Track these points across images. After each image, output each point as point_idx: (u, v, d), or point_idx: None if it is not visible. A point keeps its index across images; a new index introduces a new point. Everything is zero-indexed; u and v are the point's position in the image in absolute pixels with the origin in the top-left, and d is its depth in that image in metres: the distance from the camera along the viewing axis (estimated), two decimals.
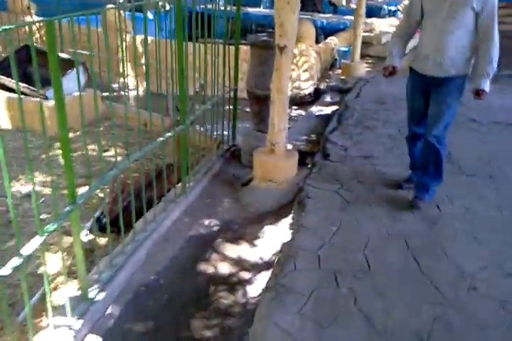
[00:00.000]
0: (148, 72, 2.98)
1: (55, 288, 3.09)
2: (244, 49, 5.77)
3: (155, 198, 3.31)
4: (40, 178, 4.62)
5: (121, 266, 2.87)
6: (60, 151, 2.43)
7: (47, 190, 4.37)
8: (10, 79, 5.65)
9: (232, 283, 2.92)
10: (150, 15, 3.08)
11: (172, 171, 3.68)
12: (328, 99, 6.68)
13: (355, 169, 3.93)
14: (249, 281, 2.91)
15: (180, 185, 3.65)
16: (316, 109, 6.18)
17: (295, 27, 3.30)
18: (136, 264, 3.00)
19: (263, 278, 2.88)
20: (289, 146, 4.13)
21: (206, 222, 3.55)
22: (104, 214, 3.77)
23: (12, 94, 5.63)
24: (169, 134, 3.29)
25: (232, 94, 4.49)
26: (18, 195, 4.28)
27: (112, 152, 5.16)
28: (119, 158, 5.05)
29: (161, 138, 3.21)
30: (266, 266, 2.98)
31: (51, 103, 5.39)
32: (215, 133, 4.36)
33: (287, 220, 3.41)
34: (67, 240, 3.61)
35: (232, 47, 4.33)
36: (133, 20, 2.88)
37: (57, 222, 2.20)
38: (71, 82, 2.31)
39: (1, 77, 5.87)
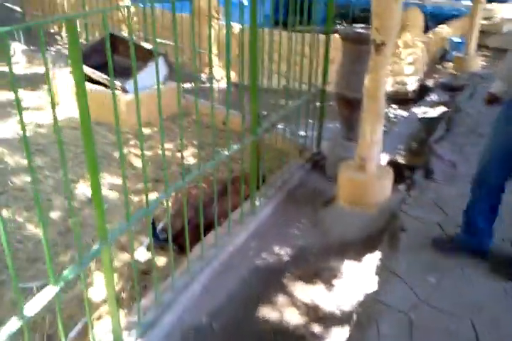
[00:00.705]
0: (228, 65, 2.55)
1: (99, 318, 2.76)
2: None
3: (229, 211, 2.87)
4: (108, 179, 4.34)
5: (170, 303, 2.45)
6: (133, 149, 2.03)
7: (114, 195, 4.08)
8: (92, 70, 5.44)
9: (301, 336, 2.40)
10: (245, 1, 2.66)
11: (246, 182, 3.22)
12: (434, 97, 5.85)
13: (466, 193, 3.20)
14: (321, 337, 2.37)
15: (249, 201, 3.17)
16: (420, 110, 5.40)
17: (397, 18, 2.64)
18: (188, 300, 2.56)
19: (339, 334, 2.33)
20: (384, 158, 3.47)
21: (276, 249, 3.04)
22: (164, 229, 3.40)
23: (93, 86, 5.41)
24: (238, 146, 2.81)
25: (319, 93, 3.91)
26: (82, 198, 4.03)
27: (187, 152, 4.80)
28: (192, 161, 4.77)
29: (235, 147, 2.76)
30: (344, 319, 2.42)
31: (129, 96, 5.12)
32: (297, 138, 3.83)
33: (374, 257, 2.80)
34: (123, 257, 3.29)
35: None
36: (226, 6, 2.45)
37: (78, 267, 1.79)
38: (152, 74, 2.09)
39: (84, 67, 5.70)
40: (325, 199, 3.48)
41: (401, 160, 3.93)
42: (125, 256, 3.30)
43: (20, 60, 7.38)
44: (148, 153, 4.76)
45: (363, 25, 3.52)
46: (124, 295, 2.95)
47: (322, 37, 3.79)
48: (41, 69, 5.91)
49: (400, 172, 3.61)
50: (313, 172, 3.92)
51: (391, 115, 5.55)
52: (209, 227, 3.30)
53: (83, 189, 4.15)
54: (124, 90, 5.21)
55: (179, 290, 2.55)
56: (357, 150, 3.13)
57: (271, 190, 3.46)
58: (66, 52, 6.21)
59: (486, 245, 2.55)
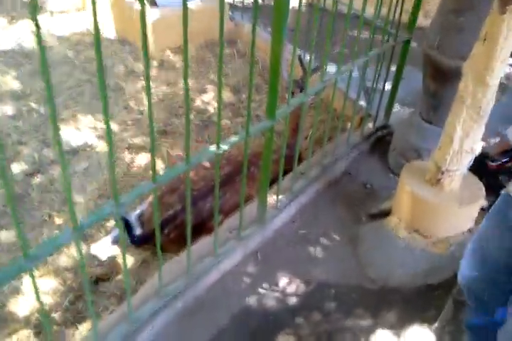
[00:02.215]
0: None
1: None
2: None
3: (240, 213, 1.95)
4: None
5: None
6: None
7: (103, 147, 3.20)
8: None
9: None
10: None
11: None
12: None
13: None
14: None
15: (257, 202, 2.19)
16: None
17: None
18: None
19: None
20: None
21: (282, 282, 2.11)
22: (141, 220, 2.53)
23: None
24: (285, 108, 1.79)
25: (401, 45, 2.68)
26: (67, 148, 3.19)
27: (215, 96, 3.75)
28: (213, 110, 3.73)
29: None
30: None
31: (157, 13, 4.04)
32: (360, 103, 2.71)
33: (427, 329, 1.82)
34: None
35: None
36: None
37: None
38: None
39: None
40: (375, 207, 2.42)
41: (499, 157, 2.70)
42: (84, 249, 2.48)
43: None
44: (166, 90, 3.78)
45: None
46: (57, 315, 2.18)
47: None
48: None
49: (495, 178, 2.45)
50: (370, 156, 2.82)
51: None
52: (202, 227, 2.41)
53: (69, 134, 3.30)
54: (153, 2, 4.12)
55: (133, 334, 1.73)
56: (435, 154, 2.00)
57: (300, 182, 2.44)
58: None
59: None
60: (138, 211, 2.62)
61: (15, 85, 3.77)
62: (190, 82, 3.85)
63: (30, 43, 4.23)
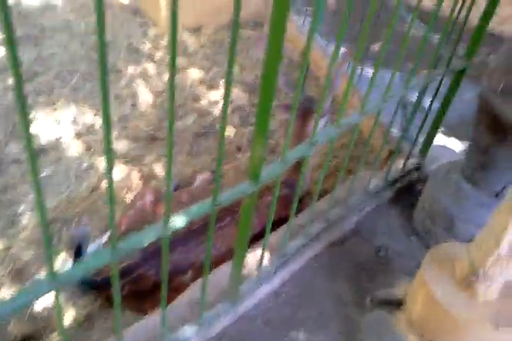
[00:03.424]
0: None
1: None
2: None
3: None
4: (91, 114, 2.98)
5: None
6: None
7: (77, 148, 2.75)
8: None
9: None
10: None
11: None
12: None
13: None
14: None
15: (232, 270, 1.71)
16: None
17: None
18: None
19: None
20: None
21: None
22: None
23: None
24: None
25: (452, 74, 2.10)
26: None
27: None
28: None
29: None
30: None
31: None
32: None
33: None
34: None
35: None
36: None
37: None
38: None
39: None
40: (384, 291, 1.92)
41: None
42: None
43: None
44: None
45: None
46: None
47: None
48: None
49: None
50: (391, 208, 2.29)
51: None
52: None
53: (43, 126, 2.84)
54: None
55: None
56: (471, 249, 1.49)
57: (294, 241, 1.95)
58: None
59: None
60: (101, 240, 2.19)
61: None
62: (199, 73, 3.32)
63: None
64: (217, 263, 1.98)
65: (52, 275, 0.96)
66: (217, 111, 3.05)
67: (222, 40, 3.66)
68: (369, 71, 2.99)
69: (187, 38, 3.61)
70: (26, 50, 3.37)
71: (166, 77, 3.27)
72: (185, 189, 2.35)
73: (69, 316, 1.96)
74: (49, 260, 0.95)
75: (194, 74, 3.30)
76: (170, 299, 1.90)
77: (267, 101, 1.19)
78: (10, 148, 2.65)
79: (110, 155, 0.91)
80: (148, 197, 2.03)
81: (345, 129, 1.57)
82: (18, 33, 3.52)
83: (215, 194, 1.21)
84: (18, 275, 2.10)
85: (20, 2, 3.76)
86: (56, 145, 2.71)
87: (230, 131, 2.90)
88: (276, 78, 1.14)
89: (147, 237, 1.13)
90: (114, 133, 2.80)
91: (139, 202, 2.01)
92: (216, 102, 3.11)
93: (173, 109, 0.95)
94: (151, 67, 3.31)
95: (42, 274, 2.10)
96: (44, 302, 1.97)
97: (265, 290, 1.87)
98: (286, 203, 2.11)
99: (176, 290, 1.92)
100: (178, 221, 1.17)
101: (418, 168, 2.43)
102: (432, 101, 2.15)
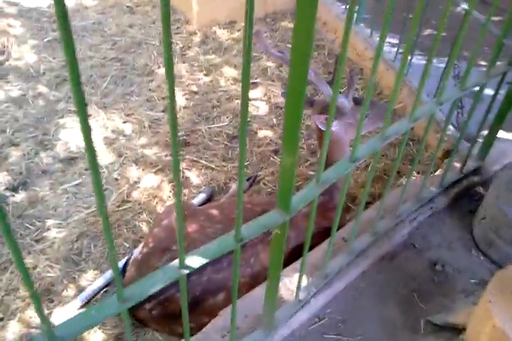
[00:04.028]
0: None
1: None
2: None
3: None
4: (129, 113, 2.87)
5: None
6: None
7: (107, 156, 2.65)
8: None
9: None
10: None
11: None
12: None
13: None
14: None
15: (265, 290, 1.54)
16: None
17: None
18: None
19: None
20: None
21: None
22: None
23: None
24: None
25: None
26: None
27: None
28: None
29: None
30: None
31: None
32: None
33: None
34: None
35: None
36: None
37: None
38: None
39: None
40: (442, 316, 1.70)
41: None
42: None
43: None
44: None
45: None
46: None
47: None
48: None
49: None
50: (447, 217, 2.05)
51: None
52: (195, 307, 1.82)
53: (71, 134, 2.75)
54: None
55: None
56: None
57: (337, 258, 1.77)
58: None
59: None
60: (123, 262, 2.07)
61: (29, 59, 3.24)
62: (233, 70, 3.15)
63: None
64: (252, 283, 1.82)
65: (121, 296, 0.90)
66: (253, 110, 2.88)
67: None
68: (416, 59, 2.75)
69: (220, 34, 3.45)
70: (56, 54, 3.30)
71: (198, 77, 3.12)
72: (214, 203, 2.19)
73: (98, 336, 1.84)
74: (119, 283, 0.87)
75: (228, 72, 3.14)
76: (202, 323, 1.76)
77: (294, 123, 1.00)
78: (39, 158, 2.57)
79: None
80: (175, 215, 1.88)
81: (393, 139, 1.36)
82: (49, 36, 3.46)
83: (238, 227, 1.04)
84: (47, 293, 2.01)
85: (50, 3, 3.69)
86: (85, 154, 2.60)
87: (265, 132, 2.73)
88: (303, 90, 0.93)
89: (159, 282, 0.98)
90: (145, 139, 2.67)
91: (166, 220, 1.87)
92: (253, 101, 2.94)
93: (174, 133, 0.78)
94: (183, 68, 3.17)
95: (70, 292, 2.00)
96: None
97: (305, 314, 1.69)
98: (323, 211, 1.92)
99: (208, 313, 1.77)
100: (195, 262, 1.01)
101: (477, 169, 2.18)
102: (495, 94, 1.90)
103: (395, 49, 2.84)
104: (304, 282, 1.69)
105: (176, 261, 1.01)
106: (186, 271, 1.01)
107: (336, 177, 1.27)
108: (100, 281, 2.05)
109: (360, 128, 1.26)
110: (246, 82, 0.79)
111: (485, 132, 2.13)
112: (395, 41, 3.08)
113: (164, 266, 1.01)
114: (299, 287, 1.60)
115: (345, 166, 1.30)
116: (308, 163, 2.58)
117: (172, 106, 0.73)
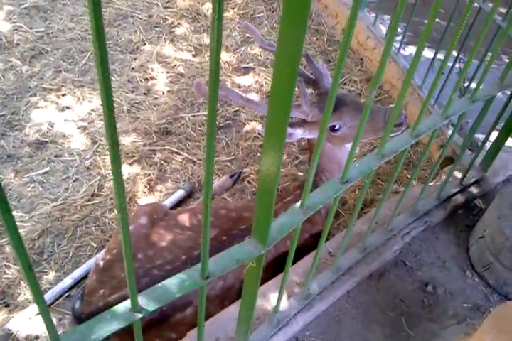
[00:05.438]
0: None
1: None
2: None
3: None
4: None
5: None
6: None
7: (79, 140, 2.49)
8: None
9: None
10: None
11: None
12: None
13: None
14: None
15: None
16: None
17: None
18: None
19: None
20: None
21: None
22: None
23: None
24: None
25: None
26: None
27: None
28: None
29: None
30: None
31: None
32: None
33: None
34: None
35: None
36: None
37: None
38: None
39: None
40: None
41: None
42: None
43: None
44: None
45: None
46: None
47: None
48: None
49: None
50: (442, 233, 1.94)
51: None
52: (163, 321, 1.71)
53: (45, 115, 2.58)
54: None
55: None
56: None
57: (321, 275, 1.65)
58: None
59: None
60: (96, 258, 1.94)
61: (2, 27, 3.03)
62: (224, 53, 2.98)
63: None
64: (224, 296, 1.71)
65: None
66: None
67: (253, 12, 3.30)
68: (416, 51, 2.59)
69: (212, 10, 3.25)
70: (33, 23, 3.10)
71: (186, 58, 2.94)
72: (188, 208, 2.04)
73: None
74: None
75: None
76: (169, 339, 1.66)
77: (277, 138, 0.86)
78: (5, 140, 2.41)
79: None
80: (142, 220, 1.75)
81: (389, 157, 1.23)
82: (27, 2, 3.24)
83: (204, 262, 0.91)
84: (2, 297, 1.88)
85: None
86: (57, 138, 2.45)
87: (254, 125, 2.58)
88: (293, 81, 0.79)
89: (111, 326, 0.85)
90: (124, 124, 2.51)
91: (132, 225, 1.73)
92: (245, 88, 2.78)
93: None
94: (170, 47, 2.98)
95: (28, 296, 1.87)
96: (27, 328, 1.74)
97: (282, 337, 1.58)
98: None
99: (175, 329, 1.67)
100: (150, 304, 0.88)
101: (479, 180, 2.06)
102: (507, 104, 1.77)
103: (400, 37, 2.68)
104: (284, 302, 1.58)
105: (128, 302, 0.88)
106: (140, 315, 0.88)
107: (324, 201, 1.14)
108: (67, 282, 1.93)
109: (355, 147, 1.12)
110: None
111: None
112: (400, 30, 2.91)
113: (114, 308, 0.88)
114: (276, 310, 1.49)
115: (335, 188, 1.17)
116: (298, 160, 2.44)
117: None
